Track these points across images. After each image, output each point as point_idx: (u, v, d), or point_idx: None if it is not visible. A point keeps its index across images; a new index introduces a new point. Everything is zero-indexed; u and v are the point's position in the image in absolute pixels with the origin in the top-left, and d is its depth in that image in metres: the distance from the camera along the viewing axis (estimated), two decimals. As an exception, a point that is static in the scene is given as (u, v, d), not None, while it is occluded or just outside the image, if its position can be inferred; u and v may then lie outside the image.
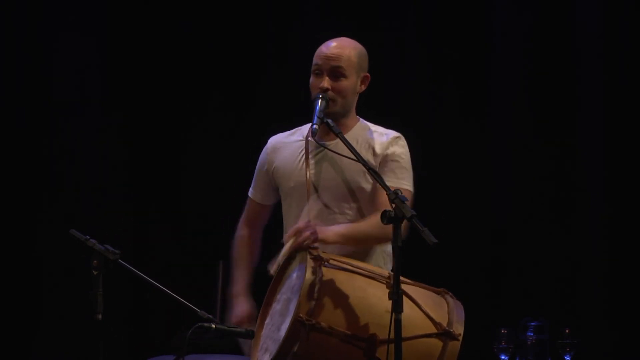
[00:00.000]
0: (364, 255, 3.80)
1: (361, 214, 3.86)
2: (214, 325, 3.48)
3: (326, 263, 3.48)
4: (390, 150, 3.89)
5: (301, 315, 3.36)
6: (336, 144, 3.83)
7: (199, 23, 6.17)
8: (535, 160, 6.01)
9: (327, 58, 3.91)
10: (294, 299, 3.45)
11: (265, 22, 6.19)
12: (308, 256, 3.47)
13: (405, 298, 3.40)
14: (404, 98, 6.06)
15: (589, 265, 5.94)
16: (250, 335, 3.58)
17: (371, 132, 3.96)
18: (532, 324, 5.37)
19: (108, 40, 6.10)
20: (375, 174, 3.57)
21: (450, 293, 3.66)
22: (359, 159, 3.63)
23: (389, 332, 3.29)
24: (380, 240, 3.77)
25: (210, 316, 3.52)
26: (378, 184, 3.64)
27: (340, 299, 3.43)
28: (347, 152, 3.70)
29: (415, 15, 6.16)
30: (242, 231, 4.12)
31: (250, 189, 4.11)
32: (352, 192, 3.87)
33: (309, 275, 3.41)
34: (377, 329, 3.39)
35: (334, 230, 3.69)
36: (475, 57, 6.10)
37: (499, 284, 6.00)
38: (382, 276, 3.53)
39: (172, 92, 6.18)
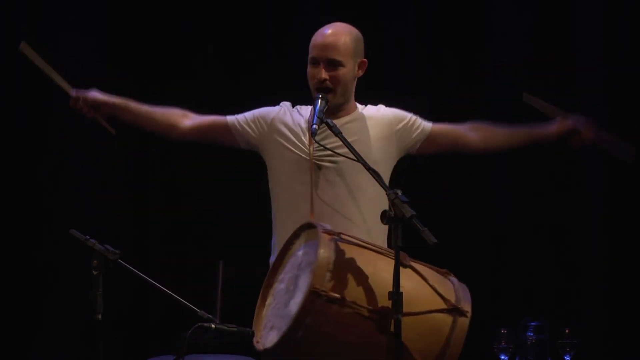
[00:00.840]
0: None
1: (363, 192, 3.87)
2: (214, 325, 3.48)
3: (338, 238, 3.50)
4: (399, 117, 4.10)
5: (317, 286, 3.36)
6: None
7: (199, 23, 6.17)
8: (535, 160, 6.01)
9: (323, 48, 3.90)
10: (303, 274, 3.46)
11: (265, 22, 6.19)
12: (320, 231, 3.48)
13: (413, 273, 3.46)
14: (404, 98, 6.05)
15: (588, 266, 5.93)
16: (251, 335, 3.58)
17: (367, 111, 4.03)
18: (532, 324, 5.37)
19: (108, 40, 6.10)
20: (375, 174, 3.57)
21: (453, 274, 3.67)
22: (359, 159, 3.63)
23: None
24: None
25: (210, 316, 3.52)
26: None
27: (353, 272, 3.43)
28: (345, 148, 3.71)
29: (415, 15, 6.16)
30: (184, 112, 4.19)
31: (232, 116, 4.09)
32: (355, 171, 3.87)
33: (323, 248, 3.41)
34: (389, 303, 3.39)
35: None
36: (475, 57, 6.10)
37: (499, 284, 6.00)
38: (390, 252, 3.55)
39: (172, 93, 6.17)
